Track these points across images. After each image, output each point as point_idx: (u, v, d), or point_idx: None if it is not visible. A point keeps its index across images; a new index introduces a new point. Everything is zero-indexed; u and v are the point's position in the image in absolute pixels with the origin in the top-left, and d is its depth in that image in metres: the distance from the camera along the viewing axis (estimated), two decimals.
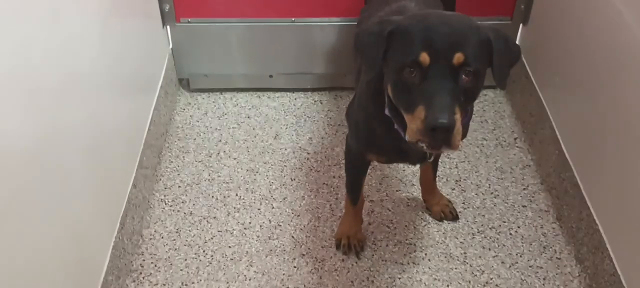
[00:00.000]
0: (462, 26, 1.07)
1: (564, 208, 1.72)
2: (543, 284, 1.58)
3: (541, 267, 1.62)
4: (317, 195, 1.81)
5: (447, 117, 1.00)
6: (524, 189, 1.83)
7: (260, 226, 1.73)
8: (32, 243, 1.10)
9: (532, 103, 1.97)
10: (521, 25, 2.09)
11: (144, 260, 1.64)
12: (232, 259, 1.64)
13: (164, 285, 1.58)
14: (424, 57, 1.03)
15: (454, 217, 1.72)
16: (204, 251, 1.66)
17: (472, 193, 1.82)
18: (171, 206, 1.79)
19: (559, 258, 1.64)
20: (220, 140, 2.01)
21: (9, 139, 1.02)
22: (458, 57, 1.03)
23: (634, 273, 1.39)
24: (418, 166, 1.79)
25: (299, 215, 1.75)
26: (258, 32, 2.07)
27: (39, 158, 1.12)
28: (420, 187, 1.77)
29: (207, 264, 1.63)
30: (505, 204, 1.79)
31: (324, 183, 1.85)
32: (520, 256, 1.64)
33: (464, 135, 1.25)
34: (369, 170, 1.85)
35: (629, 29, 1.41)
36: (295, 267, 1.62)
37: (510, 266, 1.62)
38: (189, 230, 1.71)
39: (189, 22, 2.04)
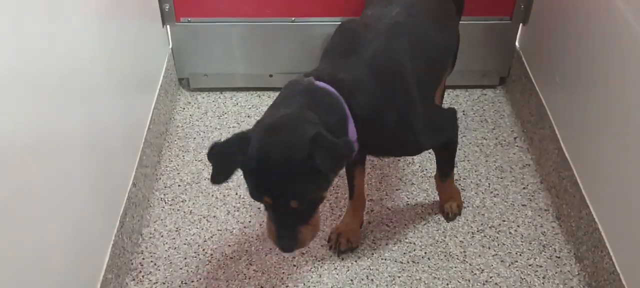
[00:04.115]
0: (287, 159, 1.11)
1: (563, 207, 1.72)
2: (542, 283, 1.58)
3: (541, 266, 1.62)
4: None
5: (286, 245, 1.21)
6: (524, 188, 1.83)
7: (260, 225, 1.73)
8: (32, 241, 1.10)
9: (532, 102, 1.97)
10: (521, 24, 2.09)
11: (143, 258, 1.64)
12: (231, 258, 1.64)
13: (164, 283, 1.58)
14: (267, 199, 1.16)
15: (451, 218, 1.74)
16: (203, 250, 1.66)
17: (471, 192, 1.82)
18: (171, 205, 1.79)
19: (559, 257, 1.64)
20: (221, 140, 2.01)
21: (9, 138, 1.02)
22: (293, 203, 1.14)
23: (633, 272, 1.39)
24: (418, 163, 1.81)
25: None
26: (258, 31, 2.07)
27: (39, 157, 1.12)
28: (422, 185, 1.80)
29: (207, 263, 1.63)
30: (505, 203, 1.79)
31: None
32: (520, 255, 1.64)
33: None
34: (368, 170, 1.85)
35: (629, 28, 1.41)
36: (294, 265, 1.62)
37: (509, 265, 1.62)
38: (189, 229, 1.72)
39: (189, 21, 2.04)
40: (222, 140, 1.15)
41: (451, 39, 1.66)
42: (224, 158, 1.13)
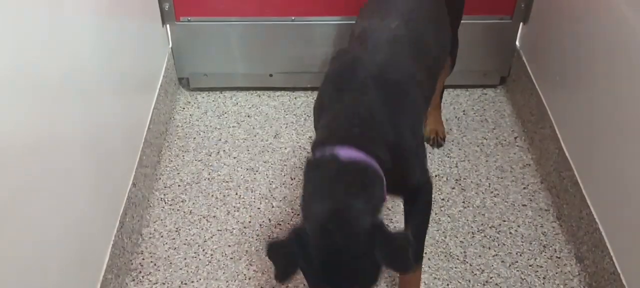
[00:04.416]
0: (348, 257, 1.09)
1: (564, 207, 1.72)
2: (543, 283, 1.58)
3: (541, 266, 1.62)
4: None
5: None
6: (524, 188, 1.83)
7: (260, 225, 1.73)
8: (32, 241, 1.10)
9: (532, 102, 1.97)
10: (521, 24, 2.08)
11: (143, 258, 1.64)
12: (231, 258, 1.64)
13: (164, 284, 1.58)
14: None
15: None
16: (203, 250, 1.66)
17: (472, 192, 1.82)
18: (171, 205, 1.79)
19: (559, 257, 1.64)
20: (220, 139, 2.01)
21: (9, 138, 1.02)
22: None
23: (633, 272, 1.39)
24: None
25: (298, 214, 1.75)
26: (258, 31, 2.07)
27: (39, 157, 1.12)
28: None
29: (207, 263, 1.63)
30: (505, 203, 1.79)
31: None
32: (520, 255, 1.64)
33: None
34: None
35: (629, 27, 1.41)
36: None
37: (510, 265, 1.62)
38: (189, 229, 1.71)
39: (188, 21, 2.03)
40: (277, 238, 1.14)
41: (446, 40, 1.61)
42: (285, 259, 1.12)
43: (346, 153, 1.16)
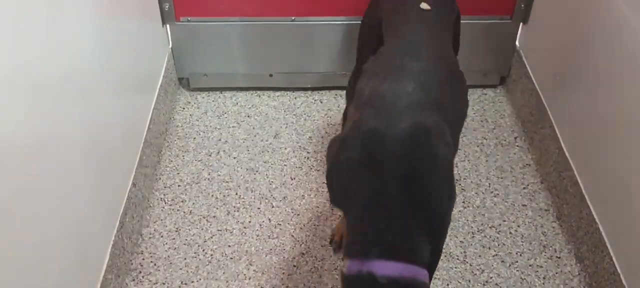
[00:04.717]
0: None
1: (564, 207, 1.72)
2: (543, 283, 1.58)
3: (541, 266, 1.62)
4: (317, 194, 1.81)
5: None
6: (524, 188, 1.83)
7: (260, 225, 1.73)
8: (32, 241, 1.10)
9: (532, 102, 1.97)
10: (521, 24, 2.08)
11: (143, 259, 1.64)
12: (231, 258, 1.64)
13: (164, 284, 1.58)
14: None
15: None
16: (203, 250, 1.66)
17: (472, 193, 1.82)
18: (171, 205, 1.79)
19: (559, 257, 1.64)
20: (220, 139, 2.01)
21: (9, 138, 1.02)
22: None
23: (633, 272, 1.39)
24: None
25: (298, 214, 1.75)
26: (258, 31, 2.07)
27: (39, 157, 1.12)
28: None
29: (207, 263, 1.63)
30: (505, 203, 1.79)
31: (323, 182, 1.85)
32: (520, 255, 1.64)
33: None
34: None
35: (629, 27, 1.41)
36: (294, 266, 1.62)
37: (510, 265, 1.62)
38: (189, 229, 1.71)
39: (188, 21, 2.03)
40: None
41: (464, 91, 1.41)
42: None
43: (384, 269, 1.06)
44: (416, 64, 1.24)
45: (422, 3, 1.43)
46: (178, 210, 1.77)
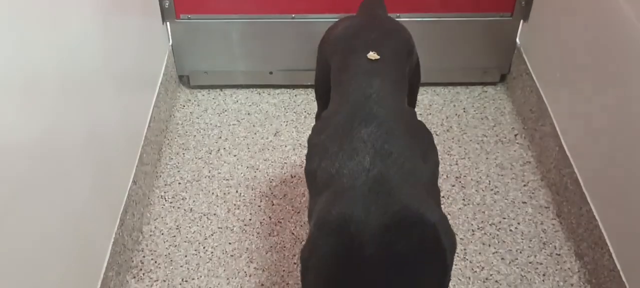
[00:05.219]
0: None
1: (564, 205, 1.72)
2: (543, 280, 1.58)
3: (541, 263, 1.62)
4: None
5: None
6: (524, 185, 1.83)
7: (261, 223, 1.73)
8: (32, 239, 1.10)
9: (533, 99, 1.97)
10: (522, 21, 2.08)
11: (144, 256, 1.64)
12: (232, 256, 1.64)
13: (164, 281, 1.58)
14: None
15: None
16: (204, 248, 1.66)
17: (472, 190, 1.82)
18: (171, 203, 1.79)
19: (559, 254, 1.64)
20: (220, 137, 2.01)
21: (9, 136, 1.02)
22: None
23: (633, 269, 1.39)
24: None
25: (299, 212, 1.75)
26: (258, 28, 2.07)
27: (39, 155, 1.12)
28: None
29: (207, 261, 1.63)
30: (505, 200, 1.79)
31: None
32: (520, 252, 1.65)
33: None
34: None
35: (630, 24, 1.41)
36: (295, 263, 1.62)
37: (510, 262, 1.62)
38: (189, 227, 1.72)
39: (189, 18, 2.03)
40: None
41: (432, 145, 1.26)
42: None
43: None
44: (366, 129, 1.08)
45: (370, 52, 1.25)
46: (178, 207, 1.77)
